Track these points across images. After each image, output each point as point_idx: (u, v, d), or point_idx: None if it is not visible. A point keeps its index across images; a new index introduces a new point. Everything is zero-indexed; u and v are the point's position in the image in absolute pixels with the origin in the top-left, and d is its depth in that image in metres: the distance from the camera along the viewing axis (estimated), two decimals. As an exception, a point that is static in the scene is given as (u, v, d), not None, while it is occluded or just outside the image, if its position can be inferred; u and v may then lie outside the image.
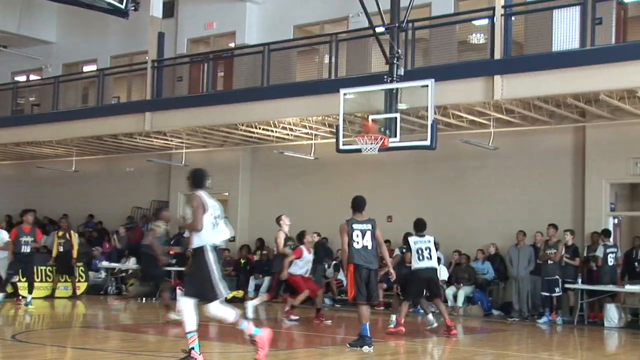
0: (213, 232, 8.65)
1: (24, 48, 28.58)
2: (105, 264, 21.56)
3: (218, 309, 8.51)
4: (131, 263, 21.24)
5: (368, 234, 10.85)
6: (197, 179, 8.99)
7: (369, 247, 10.80)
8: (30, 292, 16.69)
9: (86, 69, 26.65)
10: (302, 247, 14.68)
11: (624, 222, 18.39)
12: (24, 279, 17.17)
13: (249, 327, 8.49)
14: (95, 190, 25.95)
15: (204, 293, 8.52)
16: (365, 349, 10.40)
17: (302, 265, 14.58)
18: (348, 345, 10.64)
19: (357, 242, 10.77)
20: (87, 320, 15.23)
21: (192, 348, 8.43)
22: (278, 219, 14.98)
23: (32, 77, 28.55)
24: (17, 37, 28.00)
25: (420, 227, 13.44)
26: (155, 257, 13.94)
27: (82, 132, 22.46)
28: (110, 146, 23.94)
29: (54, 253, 19.00)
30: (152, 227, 14.54)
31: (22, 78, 28.70)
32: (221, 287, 8.51)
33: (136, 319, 15.68)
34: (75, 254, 18.97)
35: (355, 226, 10.86)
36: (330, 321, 14.56)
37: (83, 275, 20.35)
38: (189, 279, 8.91)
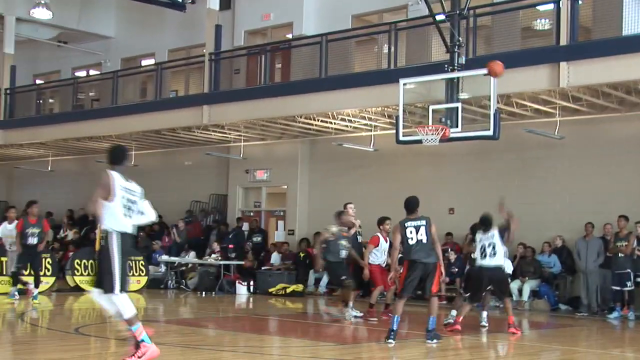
0: (124, 217, 8.07)
1: (83, 43, 29.11)
2: (164, 258, 21.82)
3: (104, 299, 7.96)
4: (191, 257, 21.47)
5: (422, 229, 10.84)
6: (113, 156, 8.35)
7: (424, 241, 10.80)
8: (36, 285, 15.90)
9: (144, 63, 26.98)
10: (379, 234, 14.35)
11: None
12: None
13: (139, 331, 7.84)
14: (154, 184, 26.07)
15: (101, 282, 7.98)
16: (389, 342, 10.45)
17: (379, 255, 14.24)
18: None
19: (411, 239, 10.79)
20: (148, 314, 15.43)
21: (142, 341, 7.79)
22: (344, 207, 14.65)
23: (92, 72, 29.02)
24: (77, 33, 28.53)
25: (485, 222, 13.11)
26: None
27: (140, 127, 22.76)
28: (168, 140, 24.21)
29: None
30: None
31: (82, 73, 29.18)
32: (118, 282, 7.89)
33: (195, 313, 15.82)
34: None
35: (407, 224, 10.90)
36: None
37: (143, 269, 20.59)
38: (97, 265, 8.52)
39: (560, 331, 13.86)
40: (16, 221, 16.19)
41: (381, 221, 14.44)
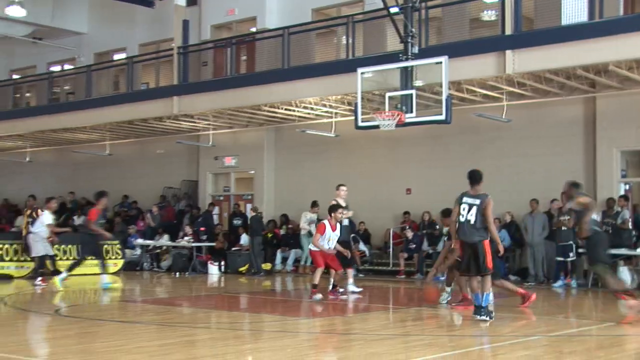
0: None
1: (57, 40, 28.67)
2: (140, 241, 21.69)
3: None
4: (165, 240, 21.36)
5: (474, 208, 10.27)
6: None
7: (472, 222, 10.22)
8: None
9: (116, 57, 26.66)
10: (327, 222, 13.53)
11: (634, 188, 18.17)
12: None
13: None
14: (129, 172, 26.09)
15: None
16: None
17: (324, 243, 13.32)
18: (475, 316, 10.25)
19: (462, 216, 10.27)
20: (125, 295, 15.33)
21: None
22: (337, 188, 14.03)
23: (66, 66, 28.63)
24: (51, 30, 28.10)
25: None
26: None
27: (114, 118, 22.54)
28: (141, 130, 24.01)
29: (24, 232, 17.76)
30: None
31: (56, 68, 28.80)
32: None
33: (170, 293, 15.76)
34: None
35: (465, 199, 10.37)
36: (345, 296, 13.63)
37: (120, 252, 20.43)
38: None
39: (510, 300, 13.97)
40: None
41: (332, 209, 13.24)
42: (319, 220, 14.98)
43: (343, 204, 13.56)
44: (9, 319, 10.93)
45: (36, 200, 17.55)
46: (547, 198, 17.23)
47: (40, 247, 16.99)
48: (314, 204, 18.72)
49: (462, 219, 10.23)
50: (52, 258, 17.35)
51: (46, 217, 17.20)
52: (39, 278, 16.09)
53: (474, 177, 10.60)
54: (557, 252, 16.25)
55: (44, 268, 16.96)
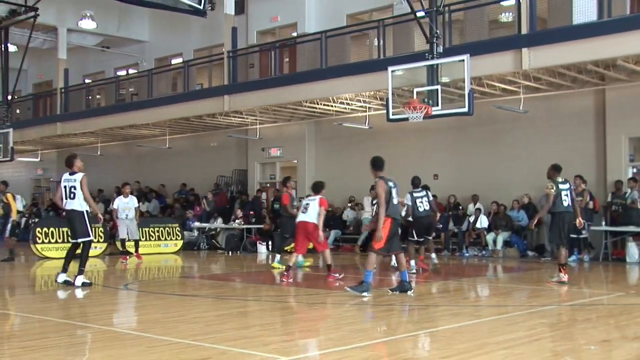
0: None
1: (122, 47, 29.00)
2: (197, 224, 21.88)
3: None
4: (218, 222, 21.51)
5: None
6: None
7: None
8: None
9: (174, 61, 26.90)
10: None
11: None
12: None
13: None
14: (186, 163, 26.34)
15: None
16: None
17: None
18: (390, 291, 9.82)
19: (394, 197, 9.76)
20: (185, 272, 15.50)
21: None
22: (415, 180, 13.79)
23: (131, 71, 28.96)
24: (117, 39, 28.43)
25: (416, 183, 13.54)
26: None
27: (172, 115, 22.76)
28: (196, 125, 24.20)
29: None
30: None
31: (122, 72, 29.14)
32: None
33: (223, 270, 15.90)
34: (13, 215, 16.73)
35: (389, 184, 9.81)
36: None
37: (179, 234, 20.64)
38: None
39: (528, 274, 13.89)
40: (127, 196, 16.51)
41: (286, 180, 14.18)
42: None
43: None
44: (84, 293, 11.14)
45: (7, 187, 17.00)
46: (561, 181, 16.94)
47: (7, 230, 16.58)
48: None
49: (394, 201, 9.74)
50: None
51: (18, 202, 16.88)
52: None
53: (374, 164, 10.03)
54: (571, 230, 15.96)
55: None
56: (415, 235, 13.43)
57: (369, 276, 9.47)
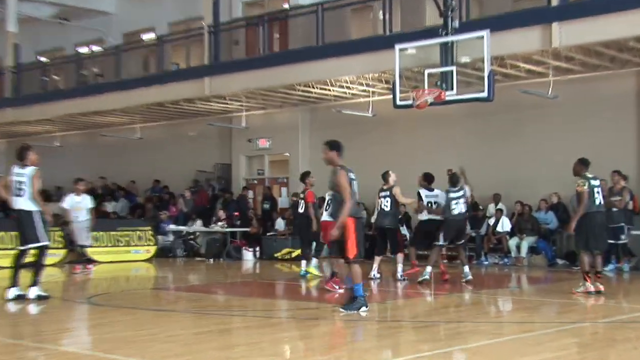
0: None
1: (84, 20, 28.94)
2: (172, 227, 21.90)
3: None
4: (198, 225, 21.54)
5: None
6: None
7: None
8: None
9: (145, 37, 26.87)
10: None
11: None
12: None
13: None
14: (160, 156, 26.33)
15: None
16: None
17: None
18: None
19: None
20: (159, 283, 15.51)
21: None
22: (385, 175, 14.14)
23: (94, 48, 28.91)
24: (77, 10, 28.36)
25: (455, 181, 13.71)
26: None
27: (144, 100, 22.76)
28: (172, 112, 24.21)
29: None
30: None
31: (84, 50, 29.08)
32: None
33: (203, 280, 15.91)
34: None
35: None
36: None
37: (152, 239, 20.66)
38: None
39: (558, 285, 13.93)
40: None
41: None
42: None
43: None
44: (39, 308, 11.15)
45: None
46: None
47: None
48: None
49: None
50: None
51: None
52: None
53: (336, 146, 9.87)
54: (607, 235, 16.03)
55: None
56: (443, 239, 13.52)
57: (360, 290, 9.43)
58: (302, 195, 14.51)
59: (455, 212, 13.48)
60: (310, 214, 14.20)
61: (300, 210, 14.40)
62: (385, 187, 13.94)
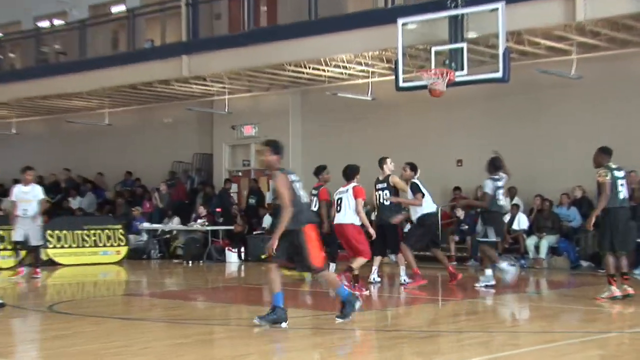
0: None
1: (45, -10, 28.81)
2: (146, 225, 21.87)
3: None
4: (175, 223, 21.52)
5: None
6: None
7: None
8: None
9: (114, 10, 26.77)
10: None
11: None
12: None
13: None
14: (132, 145, 26.29)
15: None
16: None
17: None
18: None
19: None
20: (130, 288, 15.49)
21: None
22: (381, 162, 13.97)
23: (56, 21, 28.79)
24: (38, -22, 28.23)
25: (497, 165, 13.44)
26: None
27: (113, 81, 22.70)
28: (145, 95, 24.17)
29: None
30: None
31: (45, 24, 28.97)
32: None
33: (181, 285, 15.90)
34: None
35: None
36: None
37: (123, 238, 20.61)
38: None
39: (582, 290, 13.96)
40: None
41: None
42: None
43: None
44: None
45: None
46: (626, 169, 16.98)
47: None
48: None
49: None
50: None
51: None
52: None
53: (276, 147, 9.53)
54: (638, 233, 16.05)
55: None
56: (494, 235, 13.19)
57: (346, 294, 9.44)
58: (314, 192, 14.37)
59: (501, 202, 13.23)
60: (322, 213, 14.03)
61: (314, 208, 14.05)
62: (381, 178, 13.71)
